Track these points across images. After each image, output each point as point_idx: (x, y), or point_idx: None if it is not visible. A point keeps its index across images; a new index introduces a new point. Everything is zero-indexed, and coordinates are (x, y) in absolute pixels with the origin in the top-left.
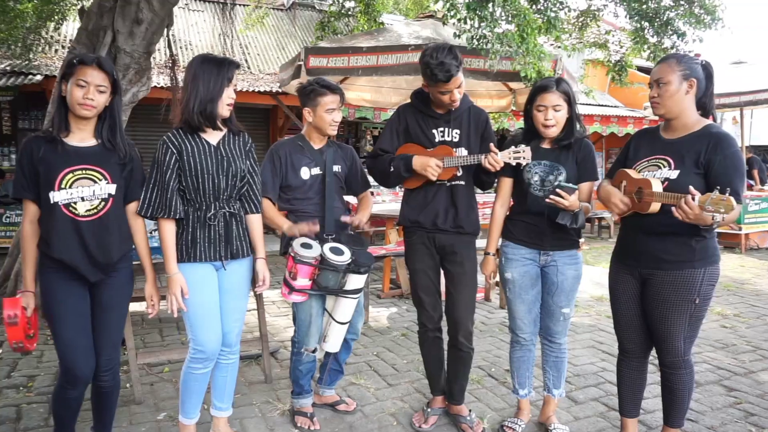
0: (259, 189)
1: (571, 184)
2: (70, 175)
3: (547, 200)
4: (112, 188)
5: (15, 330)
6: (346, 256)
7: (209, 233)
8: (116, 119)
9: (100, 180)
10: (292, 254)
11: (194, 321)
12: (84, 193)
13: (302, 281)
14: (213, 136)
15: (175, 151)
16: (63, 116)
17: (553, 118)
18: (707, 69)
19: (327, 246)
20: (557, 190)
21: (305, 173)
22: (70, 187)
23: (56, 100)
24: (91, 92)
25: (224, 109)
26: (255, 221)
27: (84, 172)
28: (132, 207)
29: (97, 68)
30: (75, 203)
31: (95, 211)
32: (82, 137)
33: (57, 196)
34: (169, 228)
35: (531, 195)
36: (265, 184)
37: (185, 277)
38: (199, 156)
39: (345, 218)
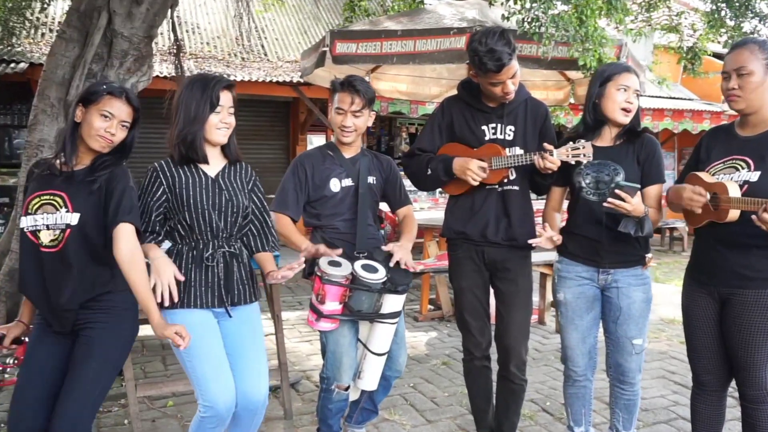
0: (267, 227)
1: (632, 183)
2: (37, 199)
3: (605, 204)
4: (71, 218)
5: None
6: (380, 274)
7: (206, 275)
8: (128, 153)
9: (61, 207)
10: (319, 274)
11: (200, 374)
12: (48, 220)
13: (331, 305)
14: (211, 167)
15: (164, 182)
16: (76, 145)
17: (634, 102)
18: None
19: (358, 263)
20: (616, 191)
21: (335, 185)
22: (35, 212)
23: (69, 125)
24: (114, 126)
25: (214, 135)
26: (266, 255)
27: (50, 197)
28: (120, 231)
29: (125, 101)
30: (39, 231)
31: (56, 242)
32: (80, 163)
33: (24, 222)
34: (151, 248)
35: (583, 200)
36: (285, 200)
37: (180, 320)
38: (193, 188)
39: (388, 247)
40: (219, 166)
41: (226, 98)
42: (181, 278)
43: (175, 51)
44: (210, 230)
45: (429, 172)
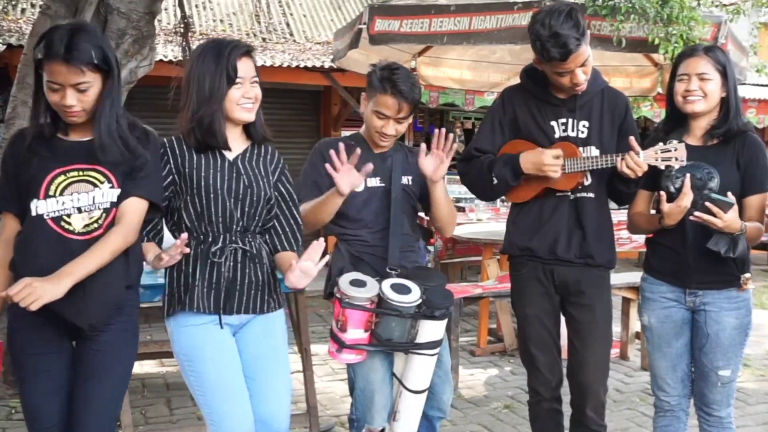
0: (294, 223)
1: (725, 198)
2: (62, 177)
3: (691, 217)
4: (115, 195)
5: None
6: (413, 295)
7: (211, 275)
8: (113, 111)
9: (102, 183)
10: (338, 295)
11: (210, 399)
12: (81, 201)
13: (355, 333)
14: (233, 146)
15: (171, 160)
16: (53, 112)
17: (698, 88)
18: None
19: (387, 282)
20: (707, 203)
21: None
22: (61, 194)
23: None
24: (68, 97)
25: (238, 113)
26: (288, 255)
27: (81, 173)
28: (126, 205)
29: (62, 63)
30: (68, 216)
31: (95, 226)
32: (80, 133)
33: (42, 207)
34: (149, 248)
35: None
36: (305, 190)
37: (186, 336)
38: (206, 171)
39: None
40: (240, 148)
41: (246, 67)
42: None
43: (182, 30)
44: (223, 221)
45: (495, 181)
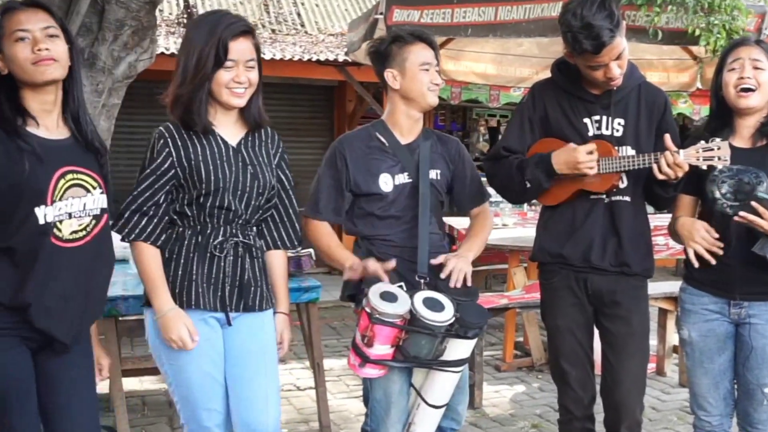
0: (293, 214)
1: None
2: (62, 180)
3: (736, 218)
4: (105, 200)
5: None
6: (447, 313)
7: (211, 270)
8: (78, 92)
9: (94, 189)
10: (368, 310)
11: (188, 399)
12: (74, 207)
13: (381, 348)
14: (231, 133)
15: (173, 152)
16: (12, 99)
17: (753, 77)
18: None
19: (419, 297)
20: (753, 203)
21: (386, 183)
22: (61, 198)
23: None
24: (40, 41)
25: (226, 98)
26: (279, 260)
27: (75, 176)
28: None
29: (26, 7)
30: (60, 222)
31: (83, 234)
32: (47, 125)
33: (50, 213)
34: (149, 253)
35: (717, 214)
36: (318, 200)
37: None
38: (213, 161)
39: (440, 259)
40: (239, 133)
41: (241, 49)
42: (195, 335)
43: (185, 21)
44: (225, 214)
45: (528, 185)
